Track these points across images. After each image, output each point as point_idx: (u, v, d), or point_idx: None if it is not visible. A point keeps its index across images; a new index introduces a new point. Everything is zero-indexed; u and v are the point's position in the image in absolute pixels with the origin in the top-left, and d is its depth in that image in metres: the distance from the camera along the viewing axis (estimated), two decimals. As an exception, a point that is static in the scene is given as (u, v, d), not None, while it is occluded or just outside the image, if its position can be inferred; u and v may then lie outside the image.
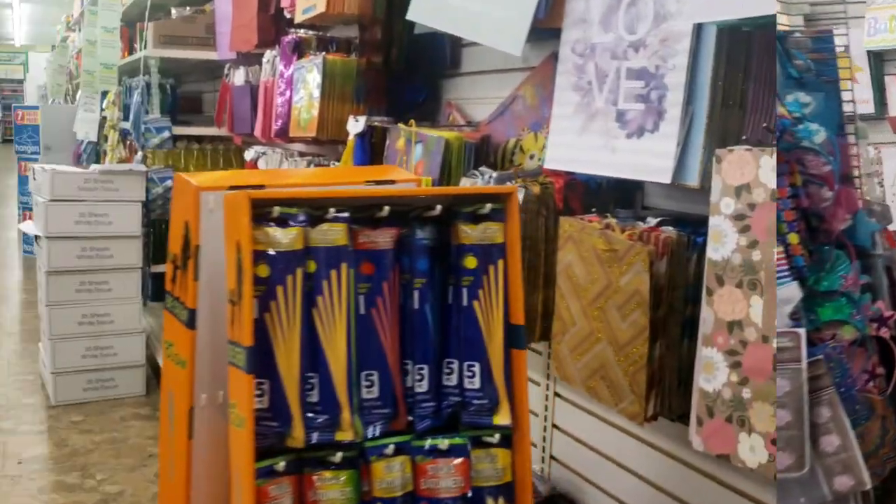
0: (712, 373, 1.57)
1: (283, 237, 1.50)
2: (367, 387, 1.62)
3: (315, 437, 1.54)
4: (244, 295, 1.45)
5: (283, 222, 1.51)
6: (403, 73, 2.94)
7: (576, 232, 1.93)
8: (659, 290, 1.71)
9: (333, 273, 1.55)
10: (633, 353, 1.74)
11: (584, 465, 2.32)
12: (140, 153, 4.92)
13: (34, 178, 4.21)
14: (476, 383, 1.69)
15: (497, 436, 1.72)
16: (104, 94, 6.07)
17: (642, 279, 1.70)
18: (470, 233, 1.69)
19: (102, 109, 6.10)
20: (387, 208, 1.61)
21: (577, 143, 1.95)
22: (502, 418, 1.71)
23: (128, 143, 5.48)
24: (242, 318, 1.46)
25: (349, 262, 1.58)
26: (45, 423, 3.97)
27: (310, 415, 1.54)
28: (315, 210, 1.56)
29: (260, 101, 3.79)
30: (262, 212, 1.50)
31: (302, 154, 3.80)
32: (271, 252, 1.49)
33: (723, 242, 1.55)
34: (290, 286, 1.50)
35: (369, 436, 1.62)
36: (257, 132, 3.83)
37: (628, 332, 1.75)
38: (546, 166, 2.09)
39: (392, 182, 1.94)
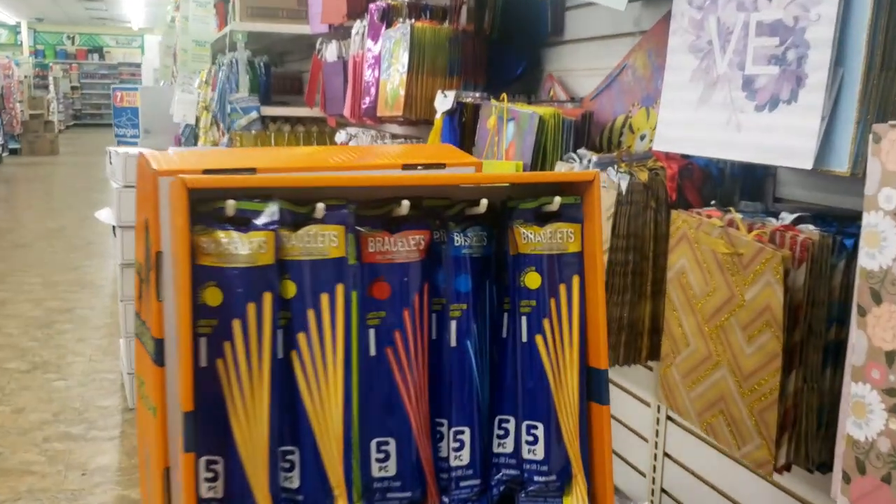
0: (864, 416, 1.17)
1: (242, 246, 1.02)
2: (380, 461, 1.14)
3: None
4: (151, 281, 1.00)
5: (244, 223, 1.04)
6: (500, 42, 2.63)
7: (691, 230, 1.52)
8: (795, 307, 1.35)
9: (324, 299, 1.07)
10: (760, 385, 1.37)
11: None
12: (226, 136, 4.61)
13: (110, 163, 3.94)
14: (539, 452, 1.18)
15: (568, 528, 1.21)
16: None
17: (774, 293, 1.32)
18: (532, 238, 1.17)
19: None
20: (405, 203, 1.12)
21: (693, 119, 1.57)
22: (576, 500, 1.19)
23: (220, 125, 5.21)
24: (151, 306, 1.00)
25: (350, 282, 1.10)
26: (119, 429, 3.71)
27: (286, 506, 1.08)
28: (298, 206, 1.08)
29: (349, 78, 3.39)
30: (211, 208, 1.04)
31: (395, 136, 3.40)
32: (225, 268, 1.03)
33: (881, 247, 1.13)
34: (252, 319, 1.03)
35: (380, 529, 1.14)
36: (346, 112, 3.46)
37: (755, 359, 1.38)
38: (655, 148, 1.70)
39: (440, 166, 1.44)
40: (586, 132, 2.16)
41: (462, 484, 1.17)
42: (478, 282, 1.18)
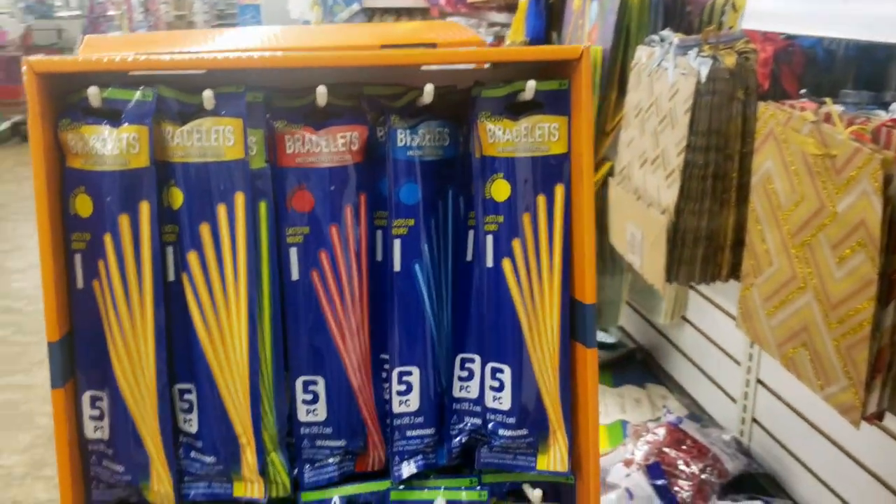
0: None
1: (110, 143, 0.83)
2: (308, 402, 0.95)
3: (195, 491, 0.92)
4: None
5: (114, 116, 0.84)
6: None
7: (778, 126, 1.26)
8: (896, 223, 1.05)
9: (221, 211, 0.87)
10: (850, 316, 1.12)
11: (794, 439, 1.81)
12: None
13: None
14: (505, 400, 0.96)
15: (539, 493, 0.99)
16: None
17: (870, 205, 1.06)
18: (500, 136, 0.91)
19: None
20: (321, 90, 0.88)
21: (794, -13, 1.28)
22: (554, 461, 0.97)
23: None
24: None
25: (256, 191, 0.89)
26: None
27: (184, 455, 0.91)
28: (188, 95, 0.87)
29: (445, -42, 3.13)
30: (76, 99, 0.84)
31: (492, 24, 3.10)
32: (93, 172, 0.84)
33: None
34: (125, 234, 0.85)
35: (307, 483, 0.96)
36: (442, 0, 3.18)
37: (845, 285, 1.13)
38: (745, 26, 1.45)
39: (431, 45, 1.17)
40: (679, 12, 1.89)
41: (409, 434, 0.96)
42: (432, 192, 0.94)
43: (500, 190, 0.92)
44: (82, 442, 0.90)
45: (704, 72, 1.50)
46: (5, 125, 7.58)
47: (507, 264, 0.93)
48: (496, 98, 0.92)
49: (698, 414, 2.25)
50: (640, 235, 1.84)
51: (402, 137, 0.91)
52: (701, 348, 2.28)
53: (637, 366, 2.64)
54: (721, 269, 1.65)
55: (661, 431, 2.07)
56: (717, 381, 2.20)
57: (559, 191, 0.93)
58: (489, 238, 0.93)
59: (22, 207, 5.62)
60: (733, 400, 2.11)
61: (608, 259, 2.43)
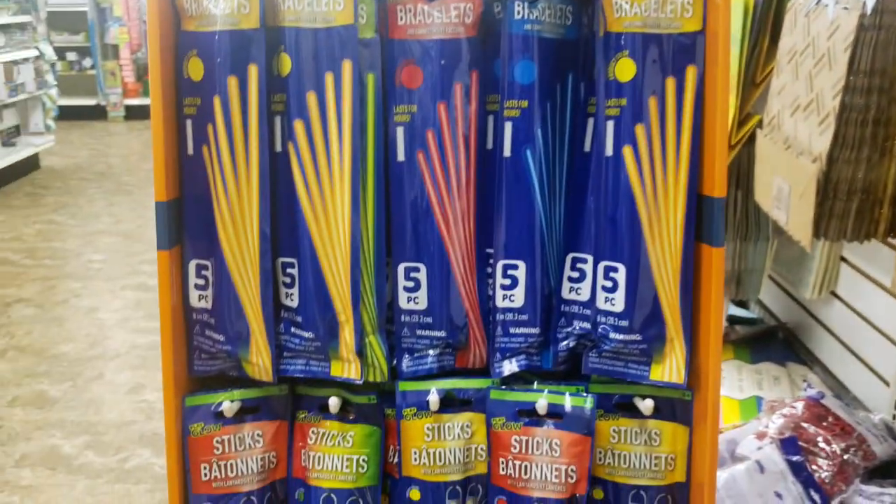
0: None
1: (222, 3, 0.82)
2: (409, 290, 0.92)
3: (293, 367, 0.90)
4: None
5: (226, -22, 0.84)
6: None
7: None
8: None
9: (328, 79, 0.85)
10: None
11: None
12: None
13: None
14: (618, 302, 0.89)
15: (650, 403, 0.91)
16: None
17: None
18: (628, 9, 0.84)
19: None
20: (440, -43, 0.84)
21: None
22: (669, 372, 0.89)
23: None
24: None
25: (364, 61, 0.86)
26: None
27: (284, 330, 0.90)
28: (302, -40, 0.85)
29: None
30: (189, -40, 0.84)
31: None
32: (205, 33, 0.84)
33: None
34: (234, 97, 0.84)
35: (406, 372, 0.93)
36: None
37: None
38: None
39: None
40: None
41: (512, 330, 0.91)
42: (549, 73, 0.88)
43: (624, 70, 0.85)
44: (186, 311, 0.90)
45: (871, 4, 1.36)
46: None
47: (628, 153, 0.86)
48: (624, -31, 0.85)
49: (842, 395, 2.08)
50: (788, 188, 1.71)
51: (520, 10, 0.85)
52: (850, 326, 2.09)
53: (778, 343, 2.47)
54: (878, 225, 1.50)
55: (800, 406, 1.92)
56: (867, 362, 2.02)
57: (691, 73, 0.85)
58: (610, 123, 0.87)
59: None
60: (885, 383, 1.93)
61: (752, 225, 2.28)
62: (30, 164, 5.71)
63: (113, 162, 6.42)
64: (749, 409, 2.12)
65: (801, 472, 1.79)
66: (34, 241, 4.50)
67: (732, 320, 2.63)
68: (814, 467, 1.79)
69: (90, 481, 2.44)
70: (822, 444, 1.82)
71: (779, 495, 1.79)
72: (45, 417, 2.77)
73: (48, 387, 2.97)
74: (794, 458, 1.82)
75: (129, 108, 7.61)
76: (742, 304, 2.66)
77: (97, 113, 7.84)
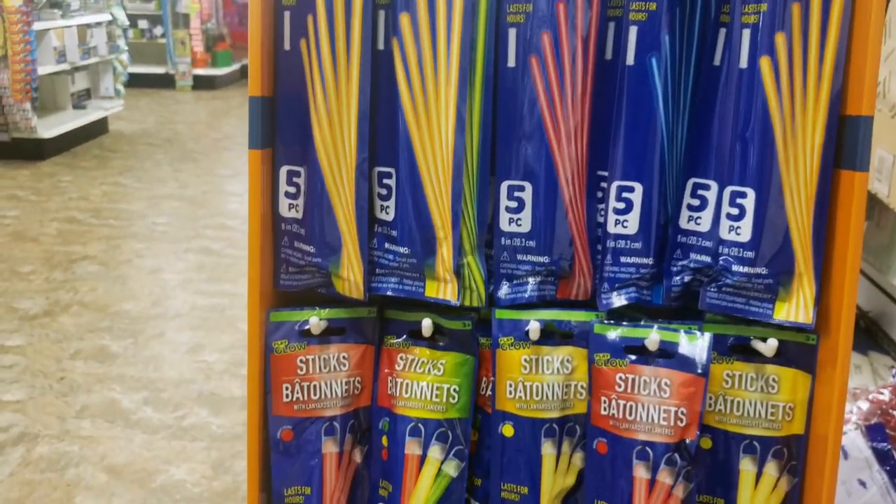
0: None
1: None
2: (512, 210, 0.85)
3: (385, 285, 0.84)
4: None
5: None
6: None
7: None
8: None
9: (440, -30, 0.78)
10: None
11: None
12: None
13: None
14: (745, 231, 0.81)
15: (774, 343, 0.83)
16: None
17: None
18: None
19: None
20: None
21: None
22: (795, 311, 0.81)
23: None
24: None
25: (481, -47, 0.79)
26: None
27: (377, 245, 0.84)
28: None
29: None
30: None
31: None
32: (309, -85, 0.78)
33: None
34: (338, -16, 0.77)
35: (504, 300, 0.86)
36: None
37: None
38: None
39: None
40: None
41: (623, 259, 0.84)
42: (679, -26, 0.80)
43: (764, -28, 0.77)
44: (276, 220, 0.85)
45: None
46: (235, 66, 8.09)
47: (765, 64, 0.78)
48: None
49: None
50: (892, 160, 1.60)
51: None
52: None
53: (860, 332, 2.35)
54: None
55: (887, 392, 1.81)
56: None
57: (840, -23, 0.76)
58: (746, 32, 0.78)
59: (245, 141, 5.96)
60: None
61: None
62: (99, 128, 5.78)
63: (180, 129, 6.48)
64: (830, 397, 2.01)
65: (887, 461, 1.68)
66: (100, 201, 4.54)
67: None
68: (902, 456, 1.68)
69: (147, 436, 2.43)
70: (911, 434, 1.71)
71: (862, 483, 1.69)
72: (106, 372, 2.77)
73: (110, 342, 2.97)
74: (881, 446, 1.70)
75: (196, 78, 7.68)
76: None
77: (165, 81, 7.93)
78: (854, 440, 1.73)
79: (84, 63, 5.35)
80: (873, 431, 1.72)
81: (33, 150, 5.07)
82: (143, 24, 7.97)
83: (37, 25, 4.79)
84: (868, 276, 2.38)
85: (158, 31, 7.92)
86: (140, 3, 7.86)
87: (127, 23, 5.90)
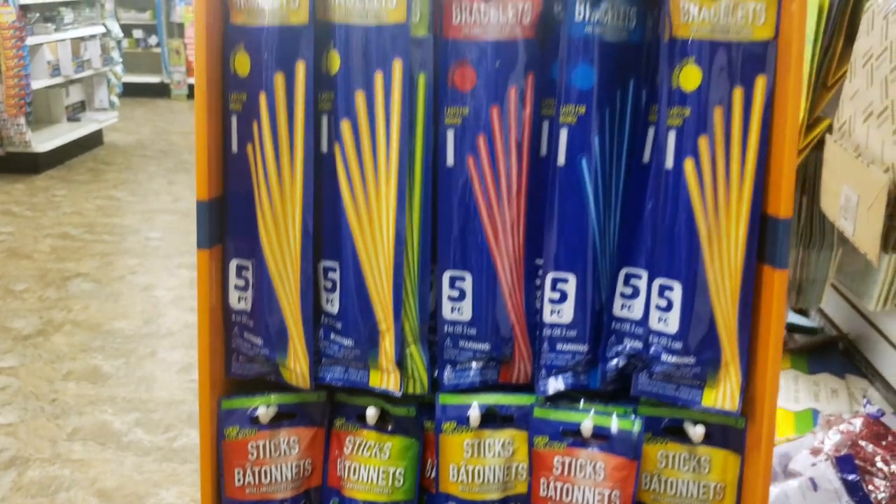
0: None
1: None
2: (454, 299, 0.89)
3: (331, 375, 0.88)
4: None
5: (275, -27, 0.81)
6: None
7: None
8: None
9: (378, 79, 0.82)
10: None
11: None
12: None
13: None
14: (672, 322, 0.85)
15: (702, 430, 0.87)
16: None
17: None
18: (696, 14, 0.79)
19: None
20: (497, -47, 0.80)
21: None
22: (723, 398, 0.85)
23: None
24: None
25: (416, 60, 0.83)
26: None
27: (323, 336, 0.88)
28: (355, -45, 0.82)
29: None
30: (240, -47, 0.82)
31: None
32: (252, 27, 0.81)
33: None
34: (280, 94, 0.81)
35: (447, 385, 0.90)
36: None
37: None
38: None
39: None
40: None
41: (559, 347, 0.87)
42: (609, 78, 0.83)
43: (689, 77, 0.80)
44: (226, 311, 0.88)
45: (957, 4, 1.28)
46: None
47: (689, 165, 0.82)
48: (694, -30, 0.80)
49: (906, 412, 1.98)
50: (856, 199, 1.63)
51: (581, 11, 0.81)
52: (917, 340, 2.00)
53: (838, 354, 2.38)
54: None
55: (858, 422, 1.84)
56: None
57: (760, 83, 0.80)
58: (672, 134, 0.82)
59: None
60: None
61: (816, 232, 2.20)
62: (93, 140, 5.82)
63: (174, 140, 6.51)
64: (804, 422, 2.05)
65: (856, 492, 1.72)
66: (94, 216, 4.58)
67: (791, 328, 2.54)
68: (870, 487, 1.72)
69: (138, 458, 2.47)
70: (879, 464, 1.74)
71: (832, 515, 1.73)
72: (98, 393, 2.82)
73: (102, 362, 3.02)
74: (850, 478, 1.74)
75: (192, 87, 7.72)
76: (802, 311, 2.57)
77: (161, 90, 7.97)
78: (824, 472, 1.76)
79: (78, 76, 5.38)
80: (843, 463, 1.75)
81: (28, 164, 5.11)
82: (137, 33, 8.00)
83: (30, 40, 4.83)
84: (846, 298, 2.42)
85: (153, 40, 7.95)
86: (135, 12, 7.89)
87: (121, 35, 5.94)
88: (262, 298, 0.86)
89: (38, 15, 5.11)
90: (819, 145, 1.86)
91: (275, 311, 0.86)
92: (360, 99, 0.82)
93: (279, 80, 0.80)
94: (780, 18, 0.79)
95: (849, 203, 1.68)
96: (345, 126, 0.82)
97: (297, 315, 0.85)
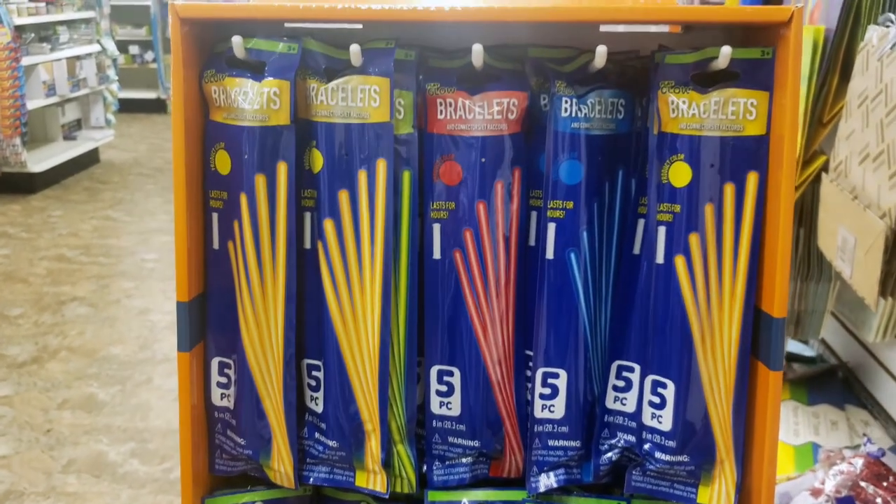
0: None
1: (252, 97, 0.78)
2: (442, 394, 0.87)
3: (315, 475, 0.86)
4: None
5: (258, 69, 0.79)
6: None
7: None
8: None
9: (361, 177, 0.80)
10: None
11: None
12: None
13: None
14: (665, 420, 0.83)
15: (698, 531, 0.85)
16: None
17: None
18: (685, 110, 0.78)
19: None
20: (477, 48, 0.78)
21: None
22: (717, 496, 0.83)
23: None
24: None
25: (400, 158, 0.81)
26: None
27: (308, 435, 0.86)
28: (338, 50, 0.80)
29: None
30: (221, 49, 0.80)
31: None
32: (232, 126, 0.79)
33: None
34: (261, 195, 0.79)
35: (436, 482, 0.88)
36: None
37: None
38: None
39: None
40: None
41: (551, 443, 0.86)
42: (597, 172, 0.82)
43: (679, 174, 0.79)
44: (209, 408, 0.87)
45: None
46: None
47: (680, 262, 0.80)
48: (683, 65, 0.78)
49: (907, 449, 1.96)
50: (854, 241, 1.61)
51: (568, 107, 0.79)
52: (917, 373, 1.99)
53: (837, 384, 2.36)
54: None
55: (859, 462, 1.82)
56: (933, 412, 1.91)
57: (752, 179, 0.78)
58: (662, 230, 0.80)
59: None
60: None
61: (814, 264, 2.18)
62: (89, 158, 5.80)
63: (171, 157, 6.48)
64: (804, 457, 2.03)
65: (858, 535, 1.70)
66: (90, 237, 4.57)
67: (790, 358, 2.53)
68: (872, 531, 1.70)
69: (134, 491, 2.45)
70: (881, 507, 1.73)
71: (833, 558, 1.71)
72: (93, 422, 2.80)
73: (97, 390, 3.00)
74: (851, 520, 1.73)
75: (188, 100, 7.71)
76: (801, 339, 2.55)
77: (157, 106, 7.95)
78: (825, 513, 1.75)
79: (74, 95, 5.37)
80: (844, 504, 1.74)
81: (24, 184, 5.09)
82: (134, 49, 7.98)
83: (25, 60, 4.81)
84: (845, 327, 2.40)
85: (149, 56, 7.93)
86: (131, 28, 7.86)
87: (117, 53, 5.92)
88: (244, 397, 0.84)
89: (33, 35, 5.09)
90: (816, 179, 1.84)
91: (258, 410, 0.84)
92: (343, 198, 0.80)
93: (260, 181, 0.78)
94: (772, 114, 0.77)
95: (846, 245, 1.66)
96: (328, 225, 0.80)
97: (281, 415, 0.83)
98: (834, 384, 2.39)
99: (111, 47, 5.73)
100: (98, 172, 5.84)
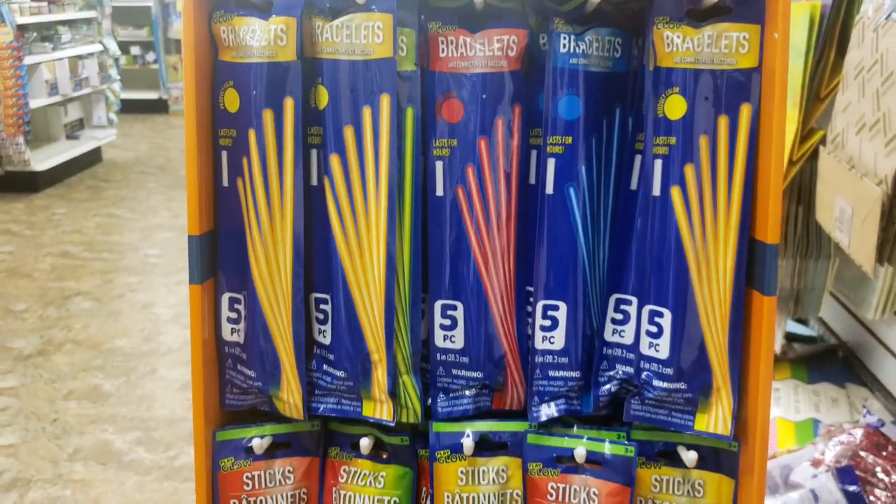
0: None
1: (259, 35, 0.80)
2: (446, 328, 0.89)
3: (324, 406, 0.89)
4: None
5: (266, 8, 0.82)
6: None
7: None
8: None
9: (366, 113, 0.82)
10: None
11: None
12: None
13: None
14: (663, 348, 0.85)
15: (694, 455, 0.87)
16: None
17: None
18: (680, 44, 0.80)
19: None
20: (482, -12, 0.81)
21: None
22: (715, 422, 0.85)
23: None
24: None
25: (403, 94, 0.83)
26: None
27: (316, 367, 0.88)
28: (342, -10, 0.83)
29: None
30: (228, -9, 0.83)
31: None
32: (240, 64, 0.82)
33: None
34: (269, 130, 0.82)
35: (440, 413, 0.90)
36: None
37: None
38: None
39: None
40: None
41: (552, 374, 0.88)
42: (595, 108, 0.84)
43: (674, 107, 0.81)
44: (219, 343, 0.89)
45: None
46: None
47: (676, 193, 0.82)
48: (677, 0, 0.80)
49: (906, 420, 1.98)
50: (851, 210, 1.64)
51: (566, 43, 0.82)
52: (916, 348, 2.01)
53: (838, 363, 2.38)
54: None
55: (858, 433, 1.84)
56: None
57: (745, 111, 0.81)
58: (658, 162, 0.83)
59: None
60: None
61: (813, 242, 2.20)
62: (92, 157, 5.84)
63: (172, 156, 6.53)
64: (805, 433, 2.05)
65: (857, 503, 1.72)
66: (94, 234, 4.60)
67: (790, 338, 2.55)
68: (871, 498, 1.72)
69: (139, 478, 2.47)
70: (880, 475, 1.75)
71: (833, 527, 1.73)
72: (99, 412, 2.82)
73: (102, 381, 3.02)
74: (851, 489, 1.74)
75: (189, 102, 7.75)
76: (801, 320, 2.57)
77: (158, 106, 8.00)
78: (825, 483, 1.77)
79: (76, 94, 5.40)
80: (844, 474, 1.76)
81: (27, 183, 5.12)
82: (135, 50, 8.03)
83: (28, 60, 4.84)
84: (845, 306, 2.42)
85: (151, 56, 7.98)
86: (132, 29, 7.92)
87: (119, 53, 5.96)
88: (254, 331, 0.87)
89: (35, 34, 5.13)
90: (814, 156, 1.86)
91: (267, 343, 0.86)
92: (349, 134, 0.82)
93: (268, 116, 0.81)
94: (764, 47, 0.80)
95: (843, 215, 1.68)
96: (334, 160, 0.83)
97: (290, 347, 0.85)
98: (834, 363, 2.41)
99: (113, 47, 5.77)
100: (101, 171, 5.88)
